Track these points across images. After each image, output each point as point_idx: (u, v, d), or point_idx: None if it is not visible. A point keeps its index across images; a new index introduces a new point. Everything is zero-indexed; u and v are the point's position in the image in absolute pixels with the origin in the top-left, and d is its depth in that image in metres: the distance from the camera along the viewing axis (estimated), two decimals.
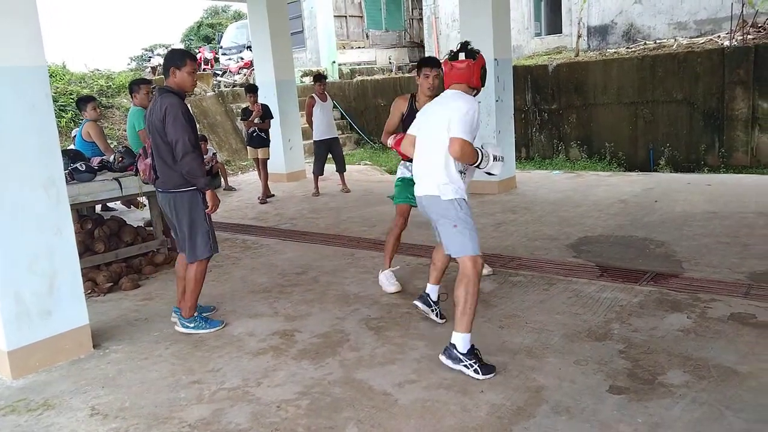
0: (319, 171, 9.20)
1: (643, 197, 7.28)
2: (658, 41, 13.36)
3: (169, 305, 4.77)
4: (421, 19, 21.48)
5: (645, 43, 13.47)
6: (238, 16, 27.83)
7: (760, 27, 11.38)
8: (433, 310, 4.06)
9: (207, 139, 10.91)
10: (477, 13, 7.96)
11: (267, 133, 9.05)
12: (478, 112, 3.47)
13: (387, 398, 3.10)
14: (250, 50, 15.87)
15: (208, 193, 4.03)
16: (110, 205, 8.47)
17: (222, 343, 3.94)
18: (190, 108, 4.10)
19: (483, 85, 3.59)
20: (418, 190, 3.54)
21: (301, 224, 7.35)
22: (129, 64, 24.84)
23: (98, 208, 7.65)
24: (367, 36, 21.89)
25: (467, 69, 3.45)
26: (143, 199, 7.05)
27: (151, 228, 6.15)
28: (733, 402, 2.83)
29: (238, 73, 17.59)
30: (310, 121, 9.10)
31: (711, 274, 4.56)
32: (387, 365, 3.46)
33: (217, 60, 20.09)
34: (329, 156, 9.27)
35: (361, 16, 21.78)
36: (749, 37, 11.07)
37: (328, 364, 3.53)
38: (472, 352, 3.29)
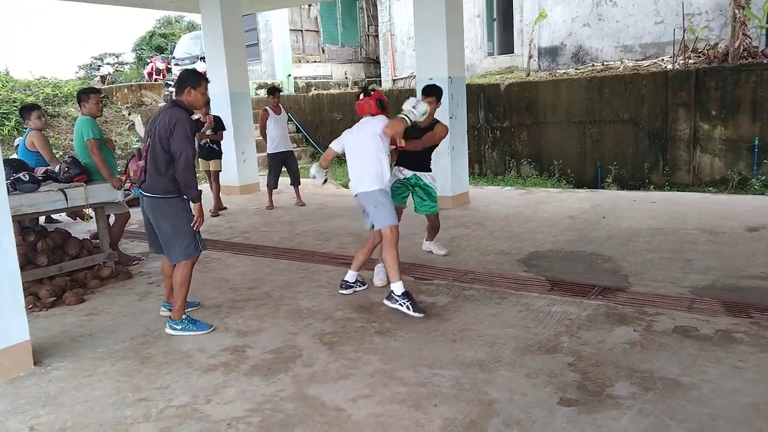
0: (273, 184, 9.11)
1: (591, 213, 7.48)
2: (605, 63, 13.82)
3: (116, 320, 4.64)
4: (377, 36, 21.67)
5: (593, 65, 13.92)
6: (191, 27, 27.48)
7: (700, 52, 11.91)
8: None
9: None
10: (431, 32, 8.07)
11: (219, 145, 8.93)
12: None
13: (340, 414, 3.07)
14: (204, 61, 15.69)
15: (196, 207, 4.22)
16: (55, 216, 8.19)
17: (170, 360, 3.84)
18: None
19: (383, 110, 4.73)
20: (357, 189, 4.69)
21: (254, 238, 7.25)
22: (77, 73, 24.23)
23: (42, 219, 7.39)
24: (323, 50, 21.93)
25: (366, 103, 4.72)
26: (89, 211, 6.85)
27: (98, 241, 5.96)
28: (676, 413, 2.92)
29: None
30: (263, 134, 9.03)
31: (656, 288, 4.71)
32: (340, 380, 3.44)
33: (169, 70, 19.78)
34: (283, 169, 9.20)
35: (317, 31, 21.83)
36: (690, 61, 11.58)
37: (280, 380, 3.47)
38: (406, 295, 4.38)
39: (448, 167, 8.24)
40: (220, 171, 9.05)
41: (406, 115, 4.55)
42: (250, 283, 5.40)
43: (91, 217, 8.11)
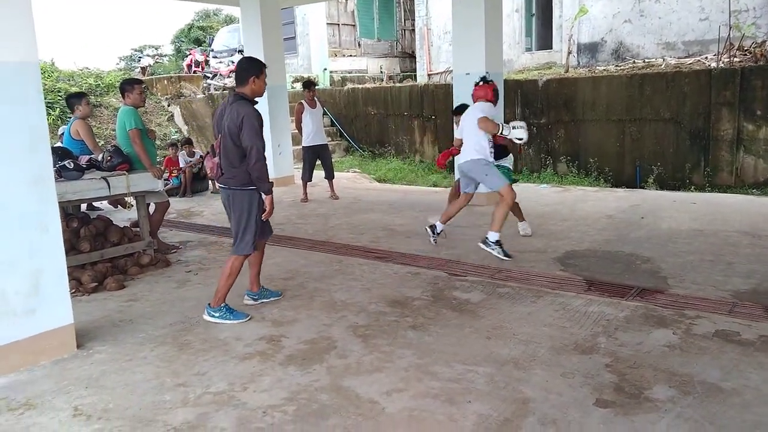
0: (307, 177, 9.18)
1: (630, 213, 7.35)
2: (646, 60, 13.54)
3: (155, 306, 4.74)
4: (413, 30, 21.60)
5: (634, 62, 13.64)
6: (229, 20, 27.75)
7: (746, 50, 11.57)
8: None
9: (192, 143, 10.86)
10: (470, 27, 8.02)
11: None
12: (489, 107, 5.83)
13: (374, 406, 3.09)
14: (242, 54, 15.86)
15: (267, 198, 4.31)
16: (96, 204, 8.39)
17: (208, 347, 3.91)
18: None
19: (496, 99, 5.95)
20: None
21: (289, 230, 7.32)
22: (118, 64, 24.69)
23: (84, 207, 7.58)
24: (359, 44, 21.97)
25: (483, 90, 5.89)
26: (130, 200, 7.00)
27: (138, 229, 6.10)
28: (717, 418, 2.86)
29: (229, 77, 17.54)
30: (299, 127, 9.10)
31: (696, 291, 4.61)
32: (374, 373, 3.46)
33: (207, 63, 20.03)
34: (318, 162, 9.26)
35: (354, 25, 21.86)
36: (735, 59, 11.26)
37: (315, 371, 3.51)
38: (499, 243, 5.62)
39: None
40: None
41: (505, 126, 5.67)
42: (285, 274, 5.45)
43: (132, 206, 8.30)
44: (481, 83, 5.90)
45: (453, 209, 6.25)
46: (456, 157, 6.41)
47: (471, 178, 6.00)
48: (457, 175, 6.55)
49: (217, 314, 4.35)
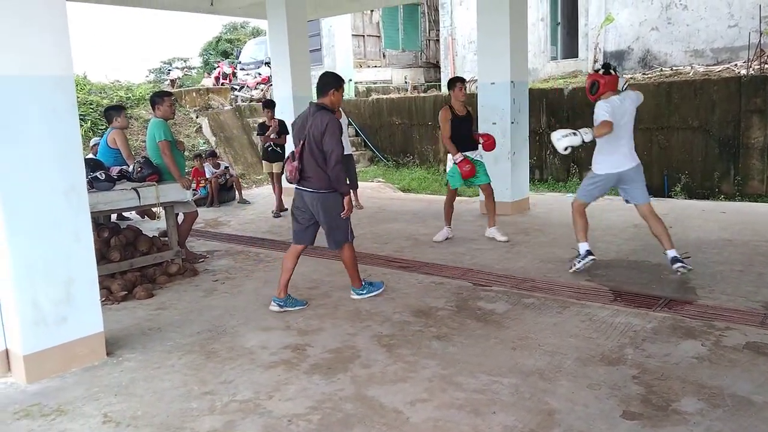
0: None
1: None
2: (674, 68, 13.38)
3: (183, 315, 4.81)
4: (438, 40, 21.65)
5: (661, 70, 13.49)
6: (256, 33, 28.18)
7: None
8: None
9: (216, 155, 11.02)
10: (495, 36, 8.02)
11: (282, 148, 9.13)
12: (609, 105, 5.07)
13: (398, 416, 3.10)
14: (268, 66, 16.08)
15: (346, 198, 4.70)
16: (125, 214, 8.56)
17: (234, 355, 3.96)
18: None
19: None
20: (633, 162, 5.22)
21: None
22: (147, 77, 25.20)
23: (113, 217, 7.73)
24: (383, 55, 22.09)
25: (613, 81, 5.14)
26: (159, 210, 7.13)
27: (166, 238, 6.20)
28: None
29: (256, 89, 17.79)
30: None
31: (726, 302, 4.53)
32: (398, 383, 3.46)
33: (235, 75, 20.33)
34: None
35: (379, 36, 21.99)
36: (766, 66, 11.07)
37: (339, 380, 3.53)
38: (679, 258, 5.13)
39: (509, 173, 8.16)
40: (282, 173, 9.23)
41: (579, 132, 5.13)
42: (309, 284, 5.50)
43: (159, 216, 8.45)
44: (612, 72, 5.18)
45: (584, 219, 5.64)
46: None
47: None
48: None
49: (363, 291, 5.00)
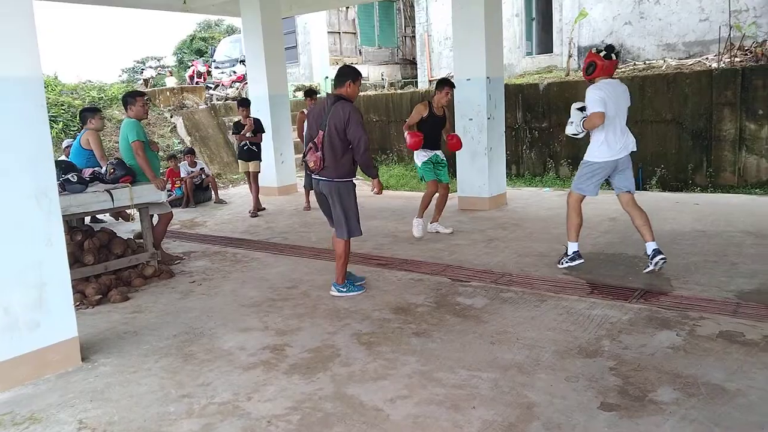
0: (310, 185, 9.16)
1: None
2: (647, 62, 13.54)
3: (159, 318, 4.75)
4: (414, 37, 21.68)
5: (635, 64, 13.65)
6: (231, 31, 27.93)
7: (746, 50, 11.58)
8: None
9: (194, 153, 10.90)
10: (470, 32, 8.04)
11: (258, 147, 9.06)
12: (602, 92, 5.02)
13: (378, 414, 3.09)
14: (243, 64, 15.95)
15: (375, 181, 5.05)
16: (99, 216, 8.43)
17: (212, 357, 3.92)
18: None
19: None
20: (628, 150, 5.15)
21: (292, 238, 7.34)
22: (121, 76, 24.86)
23: (87, 219, 7.61)
24: (360, 52, 22.05)
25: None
26: (132, 212, 7.03)
27: (141, 240, 6.12)
28: (722, 420, 2.85)
29: (231, 87, 17.64)
30: (301, 136, 9.12)
31: (700, 292, 4.60)
32: (378, 380, 3.46)
33: (209, 73, 20.14)
34: None
35: (355, 33, 21.96)
36: (736, 59, 11.26)
37: (319, 379, 3.51)
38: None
39: (486, 168, 8.19)
40: (259, 172, 9.17)
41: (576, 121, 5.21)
42: (288, 283, 5.46)
43: (134, 218, 8.34)
44: (614, 56, 5.05)
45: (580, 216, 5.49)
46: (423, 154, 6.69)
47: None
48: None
49: (344, 289, 5.00)
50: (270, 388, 3.43)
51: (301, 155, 9.29)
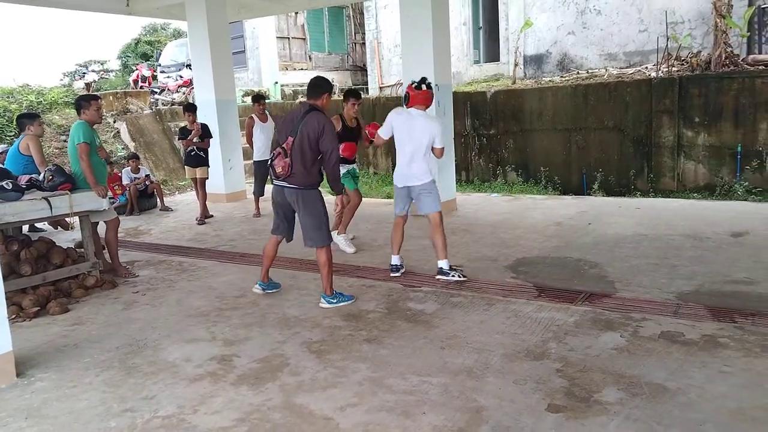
0: (259, 192, 9.07)
1: (577, 220, 7.52)
2: (590, 71, 13.96)
3: (101, 329, 4.58)
4: (364, 44, 21.73)
5: (578, 73, 14.05)
6: (177, 34, 27.37)
7: (683, 60, 12.07)
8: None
9: (138, 157, 10.60)
10: (418, 40, 8.10)
11: (206, 153, 8.89)
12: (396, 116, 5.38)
13: (328, 423, 3.05)
14: (190, 69, 15.64)
15: (338, 198, 4.95)
16: (38, 225, 8.10)
17: (156, 369, 3.80)
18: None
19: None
20: (410, 182, 5.36)
21: (241, 246, 7.21)
22: (62, 80, 24.00)
23: (26, 228, 7.30)
24: (309, 58, 21.96)
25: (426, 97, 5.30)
26: (72, 220, 6.78)
27: (82, 249, 5.90)
28: (664, 418, 2.93)
29: (177, 92, 17.27)
30: (250, 141, 9.00)
31: (642, 294, 4.74)
32: (328, 389, 3.42)
33: (155, 78, 19.68)
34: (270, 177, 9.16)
35: (304, 38, 21.85)
36: (674, 69, 11.72)
37: (267, 390, 3.45)
38: (450, 268, 5.32)
39: (436, 174, 8.22)
40: (207, 178, 9.00)
41: None
42: (236, 292, 5.36)
43: (74, 226, 8.03)
44: (424, 87, 5.28)
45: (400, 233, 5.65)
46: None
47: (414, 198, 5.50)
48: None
49: (334, 300, 4.84)
50: (217, 400, 3.35)
51: (252, 161, 9.18)
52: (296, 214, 4.95)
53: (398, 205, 5.55)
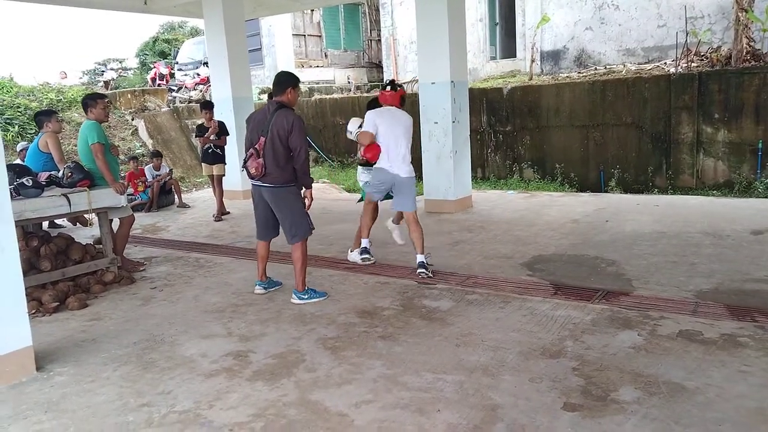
0: None
1: (595, 217, 7.46)
2: (608, 66, 13.82)
3: (118, 325, 4.63)
4: (380, 40, 21.71)
5: (595, 68, 13.91)
6: (194, 32, 27.55)
7: (703, 55, 11.91)
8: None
9: (161, 155, 10.69)
10: (434, 37, 8.07)
11: (222, 150, 8.95)
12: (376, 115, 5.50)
13: (343, 419, 3.06)
14: (207, 66, 15.74)
15: (308, 192, 4.93)
16: (58, 222, 8.20)
17: (173, 365, 3.83)
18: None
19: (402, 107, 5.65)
20: (401, 172, 5.44)
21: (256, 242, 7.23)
22: (81, 78, 24.27)
23: (45, 225, 7.40)
24: (325, 55, 21.99)
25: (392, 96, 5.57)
26: (91, 217, 6.85)
27: (101, 246, 5.97)
28: (682, 417, 2.90)
29: (194, 89, 17.40)
30: None
31: (660, 292, 4.68)
32: (343, 385, 3.42)
33: (172, 75, 19.84)
34: None
35: (320, 36, 21.88)
36: (693, 65, 11.56)
37: (282, 385, 3.46)
38: (426, 264, 5.42)
39: (451, 171, 8.23)
40: (224, 176, 9.05)
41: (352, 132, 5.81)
42: (252, 288, 5.39)
43: (92, 223, 8.13)
44: (388, 88, 5.63)
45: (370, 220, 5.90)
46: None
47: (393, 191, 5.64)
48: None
49: (305, 296, 4.92)
50: (233, 396, 3.37)
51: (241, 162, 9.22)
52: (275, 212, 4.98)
53: (377, 193, 5.72)
